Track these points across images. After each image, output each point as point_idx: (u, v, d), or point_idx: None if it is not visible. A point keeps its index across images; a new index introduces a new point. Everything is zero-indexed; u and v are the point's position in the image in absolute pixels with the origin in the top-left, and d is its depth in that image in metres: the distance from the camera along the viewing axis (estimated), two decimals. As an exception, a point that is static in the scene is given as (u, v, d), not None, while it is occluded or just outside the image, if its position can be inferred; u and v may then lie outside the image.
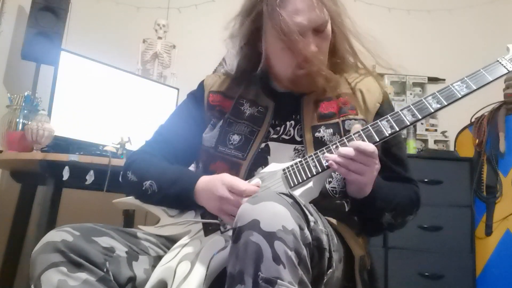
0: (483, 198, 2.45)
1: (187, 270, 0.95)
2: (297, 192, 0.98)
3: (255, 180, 1.05)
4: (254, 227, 0.76)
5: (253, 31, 1.15)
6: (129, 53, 2.78)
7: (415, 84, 3.02)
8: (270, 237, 0.75)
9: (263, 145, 1.14)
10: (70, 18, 2.51)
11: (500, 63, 0.99)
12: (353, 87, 1.18)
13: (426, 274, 2.32)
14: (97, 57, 2.28)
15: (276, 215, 0.77)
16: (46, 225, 1.86)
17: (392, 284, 2.30)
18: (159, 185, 1.10)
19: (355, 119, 1.13)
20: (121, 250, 0.99)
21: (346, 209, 1.12)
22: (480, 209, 2.45)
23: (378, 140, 0.99)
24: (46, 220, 1.89)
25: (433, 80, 3.02)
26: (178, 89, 2.58)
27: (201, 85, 1.29)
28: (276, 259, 0.74)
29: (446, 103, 0.98)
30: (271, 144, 1.14)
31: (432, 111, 0.98)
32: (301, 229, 0.79)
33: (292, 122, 1.16)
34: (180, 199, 1.08)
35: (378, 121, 1.00)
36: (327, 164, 0.99)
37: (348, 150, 0.95)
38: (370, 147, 0.95)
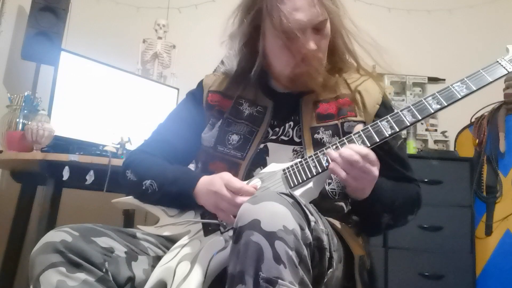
0: (483, 198, 2.45)
1: (186, 270, 0.95)
2: (297, 193, 0.98)
3: (255, 180, 1.05)
4: (255, 227, 0.76)
5: (252, 29, 1.15)
6: (129, 53, 2.78)
7: (415, 84, 3.02)
8: (271, 237, 0.75)
9: (262, 145, 1.14)
10: (70, 18, 2.51)
11: (499, 64, 0.99)
12: (352, 88, 1.18)
13: (426, 274, 2.32)
14: (97, 57, 2.28)
15: (276, 215, 0.78)
16: (46, 225, 1.87)
17: (392, 284, 2.30)
18: (159, 183, 1.10)
19: (354, 121, 1.12)
20: (120, 250, 0.99)
21: (346, 210, 1.12)
22: (480, 209, 2.45)
23: (378, 140, 0.99)
24: (46, 220, 1.89)
25: (433, 80, 3.02)
26: (178, 89, 2.58)
27: (200, 84, 1.29)
28: (277, 259, 0.74)
29: (446, 104, 0.98)
30: (270, 145, 1.14)
31: (432, 111, 0.98)
32: (301, 229, 0.79)
33: (291, 123, 1.16)
34: (181, 198, 1.08)
35: (378, 121, 1.00)
36: (327, 164, 0.99)
37: (349, 154, 0.94)
38: (364, 150, 0.94)
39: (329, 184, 1.09)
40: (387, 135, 0.98)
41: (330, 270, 0.90)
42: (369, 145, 0.98)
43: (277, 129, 1.16)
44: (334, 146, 1.00)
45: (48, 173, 1.93)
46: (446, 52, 3.01)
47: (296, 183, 1.00)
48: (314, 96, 1.16)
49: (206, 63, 2.40)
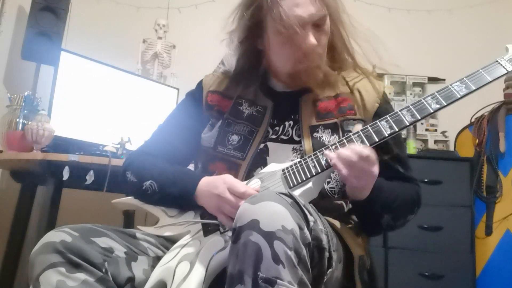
0: (483, 198, 2.45)
1: (186, 271, 0.95)
2: (296, 193, 0.98)
3: (254, 181, 1.05)
4: (254, 227, 0.76)
5: (253, 26, 1.15)
6: (129, 53, 2.78)
7: (415, 84, 3.02)
8: (270, 237, 0.75)
9: (262, 145, 1.14)
10: (70, 18, 2.50)
11: (499, 63, 0.99)
12: (352, 86, 1.18)
13: (426, 274, 2.31)
14: (97, 57, 2.28)
15: (275, 215, 0.78)
16: (46, 225, 1.86)
17: (392, 284, 2.30)
18: (160, 184, 1.10)
19: (354, 119, 1.12)
20: (120, 250, 0.99)
21: (345, 209, 1.12)
22: (480, 209, 2.45)
23: (377, 140, 0.99)
24: (46, 220, 1.89)
25: (433, 80, 3.02)
26: (178, 89, 2.58)
27: (200, 85, 1.28)
28: (276, 259, 0.74)
29: (445, 104, 0.98)
30: (270, 144, 1.14)
31: (432, 111, 0.98)
32: (300, 229, 0.79)
33: (291, 122, 1.16)
34: (181, 198, 1.08)
35: (377, 121, 1.00)
36: (326, 164, 0.99)
37: (347, 155, 0.94)
38: (365, 152, 0.94)
39: (328, 183, 1.09)
40: (386, 135, 0.99)
41: (330, 270, 0.90)
42: (368, 145, 0.98)
43: (277, 128, 1.16)
44: (333, 146, 1.00)
45: (48, 173, 1.92)
46: (446, 52, 3.01)
47: (296, 183, 1.01)
48: (313, 95, 1.16)
49: (206, 63, 2.40)
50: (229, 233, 0.98)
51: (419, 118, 0.98)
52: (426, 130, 2.91)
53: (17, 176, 2.27)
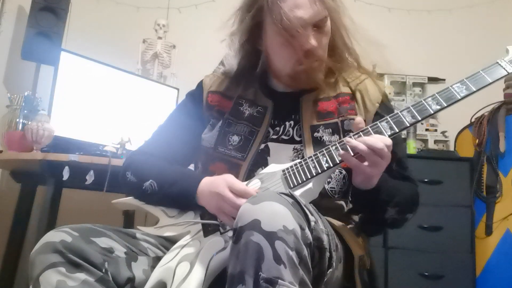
0: (483, 198, 2.45)
1: (186, 271, 0.95)
2: (297, 193, 0.98)
3: (254, 181, 1.05)
4: (255, 227, 0.76)
5: (253, 27, 1.15)
6: (129, 53, 2.78)
7: (415, 84, 3.01)
8: (271, 237, 0.75)
9: (262, 145, 1.14)
10: (70, 18, 2.50)
11: (499, 64, 0.99)
12: (352, 87, 1.18)
13: (426, 274, 2.31)
14: (97, 57, 2.28)
15: (276, 215, 0.78)
16: (46, 225, 1.86)
17: (392, 284, 2.30)
18: (160, 184, 1.10)
19: (354, 119, 1.12)
20: (120, 250, 0.99)
21: (345, 210, 1.12)
22: (480, 209, 2.45)
23: (377, 140, 0.99)
24: (46, 220, 1.89)
25: (433, 80, 3.02)
26: (178, 89, 2.58)
27: (200, 85, 1.28)
28: (277, 259, 0.74)
29: (445, 105, 0.98)
30: (271, 144, 1.14)
31: (432, 112, 0.98)
32: (302, 229, 0.79)
33: (291, 122, 1.16)
34: (181, 198, 1.08)
35: (377, 122, 1.00)
36: (327, 164, 0.99)
37: (374, 142, 0.94)
38: (389, 141, 0.96)
39: (329, 183, 1.09)
40: (387, 136, 0.98)
41: (330, 270, 0.90)
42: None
43: (277, 128, 1.16)
44: (334, 147, 1.01)
45: (48, 173, 1.92)
46: (446, 52, 3.01)
47: (296, 184, 1.01)
48: (314, 95, 1.16)
49: (206, 63, 2.39)
50: (229, 234, 0.98)
51: (420, 119, 0.98)
52: (426, 130, 2.91)
53: (17, 176, 2.27)
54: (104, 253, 0.95)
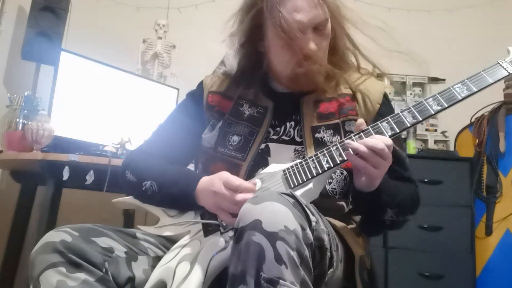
0: (483, 198, 2.45)
1: (186, 271, 0.95)
2: (297, 193, 0.98)
3: (255, 181, 1.05)
4: (256, 227, 0.76)
5: (253, 28, 1.15)
6: (129, 53, 2.78)
7: (415, 84, 3.02)
8: (272, 237, 0.75)
9: (263, 146, 1.14)
10: (70, 18, 2.50)
11: (500, 65, 0.99)
12: (353, 87, 1.18)
13: (426, 274, 2.32)
14: (97, 57, 2.28)
15: (278, 215, 0.78)
16: (46, 225, 1.86)
17: (392, 284, 2.30)
18: (160, 185, 1.10)
19: (355, 120, 1.12)
20: (120, 250, 0.99)
21: (346, 210, 1.12)
22: (480, 209, 2.45)
23: (378, 141, 0.98)
24: (46, 220, 1.89)
25: (433, 80, 3.02)
26: (178, 89, 2.58)
27: (200, 85, 1.28)
28: (278, 259, 0.74)
29: (446, 105, 0.98)
30: (271, 145, 1.14)
31: (433, 113, 0.98)
32: (303, 229, 0.79)
33: (292, 122, 1.16)
34: (181, 199, 1.08)
35: (378, 122, 1.00)
36: (327, 165, 0.99)
37: (375, 143, 0.94)
38: (389, 141, 0.95)
39: (330, 183, 1.09)
40: (387, 136, 0.98)
41: (331, 270, 0.90)
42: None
43: (278, 129, 1.16)
44: (334, 147, 1.00)
45: (48, 173, 1.92)
46: (446, 52, 3.01)
47: (296, 184, 1.00)
48: (315, 96, 1.16)
49: (206, 63, 2.39)
50: (230, 233, 0.98)
51: (421, 119, 0.98)
52: (426, 130, 2.91)
53: (17, 176, 2.27)
54: (104, 253, 0.95)
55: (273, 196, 0.81)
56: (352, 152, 0.96)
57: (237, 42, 1.19)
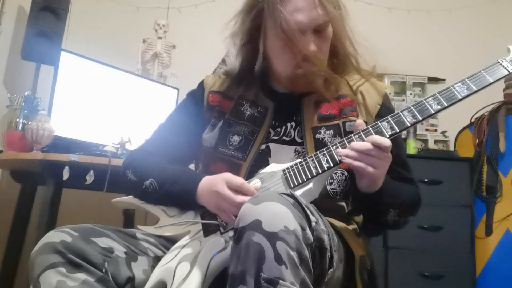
0: (483, 198, 2.44)
1: (186, 271, 0.95)
2: (297, 193, 0.98)
3: (255, 181, 1.05)
4: (256, 227, 0.76)
5: (254, 29, 1.15)
6: (129, 53, 2.78)
7: (415, 84, 3.02)
8: (272, 237, 0.75)
9: (263, 146, 1.14)
10: (70, 18, 2.50)
11: (500, 64, 0.99)
12: (354, 88, 1.18)
13: (426, 274, 2.31)
14: (97, 57, 2.28)
15: (278, 215, 0.78)
16: (46, 225, 1.86)
17: (392, 284, 2.30)
18: (160, 183, 1.10)
19: (356, 121, 1.12)
20: (120, 250, 0.99)
21: (346, 210, 1.12)
22: (480, 209, 2.45)
23: (378, 141, 0.98)
24: (46, 220, 1.88)
25: (433, 80, 3.02)
26: (178, 89, 2.58)
27: (201, 85, 1.28)
28: (278, 259, 0.74)
29: (446, 105, 0.98)
30: (272, 145, 1.14)
31: (433, 112, 0.98)
32: (303, 229, 0.79)
33: (293, 123, 1.16)
34: (182, 197, 1.08)
35: (378, 122, 1.00)
36: (327, 164, 0.99)
37: (361, 144, 0.95)
38: (387, 142, 0.95)
39: (330, 184, 1.09)
40: (387, 136, 0.98)
41: (331, 270, 0.90)
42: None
43: (278, 129, 1.16)
44: (334, 147, 1.00)
45: (48, 173, 1.92)
46: (446, 52, 3.01)
47: (296, 184, 1.00)
48: (315, 97, 1.16)
49: (206, 63, 2.40)
50: (230, 234, 0.98)
51: (421, 119, 0.98)
52: (426, 130, 2.91)
53: (17, 176, 2.27)
54: (104, 253, 0.95)
55: (273, 196, 0.81)
56: (345, 159, 0.96)
57: (238, 42, 1.20)
